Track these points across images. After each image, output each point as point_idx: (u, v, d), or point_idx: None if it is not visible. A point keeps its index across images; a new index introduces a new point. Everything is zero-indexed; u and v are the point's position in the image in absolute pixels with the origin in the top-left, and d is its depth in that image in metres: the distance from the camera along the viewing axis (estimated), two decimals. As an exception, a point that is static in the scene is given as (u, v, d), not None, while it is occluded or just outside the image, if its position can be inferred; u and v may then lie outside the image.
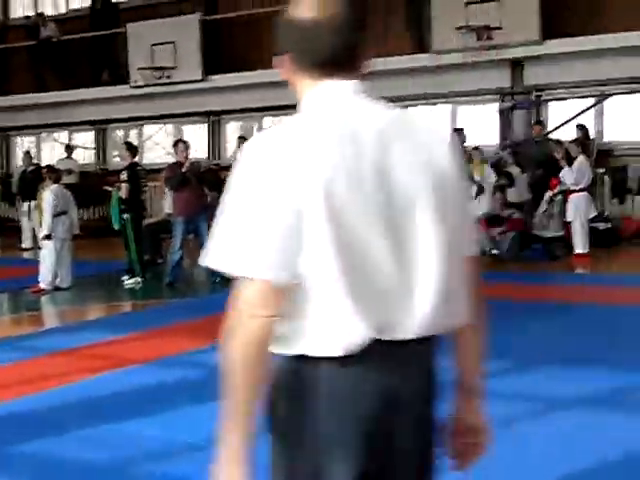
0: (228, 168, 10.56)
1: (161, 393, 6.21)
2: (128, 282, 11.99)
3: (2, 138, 23.43)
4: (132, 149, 12.44)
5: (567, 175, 13.53)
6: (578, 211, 13.49)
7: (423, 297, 2.08)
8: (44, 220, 11.79)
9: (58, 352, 7.84)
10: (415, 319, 2.08)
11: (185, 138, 21.01)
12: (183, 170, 11.63)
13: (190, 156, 12.31)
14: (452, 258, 2.12)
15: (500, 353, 6.91)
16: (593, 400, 5.79)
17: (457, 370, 2.33)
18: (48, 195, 11.76)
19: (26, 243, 17.60)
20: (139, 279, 11.98)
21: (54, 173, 12.15)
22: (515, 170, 14.55)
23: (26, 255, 16.83)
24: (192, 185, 11.61)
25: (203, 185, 11.97)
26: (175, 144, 12.30)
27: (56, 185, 11.93)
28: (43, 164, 19.39)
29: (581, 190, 13.61)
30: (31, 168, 17.88)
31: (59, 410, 5.89)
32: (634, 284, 10.75)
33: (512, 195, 14.30)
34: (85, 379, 6.73)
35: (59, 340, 8.47)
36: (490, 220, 13.56)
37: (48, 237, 11.72)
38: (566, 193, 13.72)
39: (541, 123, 15.70)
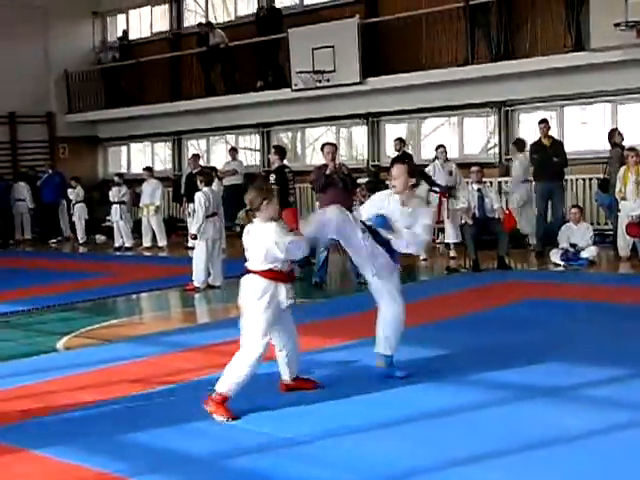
0: (387, 169, 10.77)
1: (274, 389, 6.46)
2: None
3: (175, 141, 24.50)
4: (280, 152, 12.82)
5: None
6: None
7: None
8: (195, 221, 12.37)
9: (197, 348, 8.25)
10: None
11: (347, 140, 21.72)
12: (327, 173, 11.88)
13: (339, 159, 12.54)
14: None
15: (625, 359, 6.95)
16: None
17: None
18: (200, 197, 12.32)
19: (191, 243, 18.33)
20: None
21: (206, 176, 12.72)
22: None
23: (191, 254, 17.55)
24: (336, 187, 11.84)
25: (349, 187, 12.15)
26: (322, 147, 12.56)
27: (208, 187, 12.46)
28: (215, 166, 20.34)
29: None
30: (197, 170, 18.61)
31: (180, 403, 6.26)
32: None
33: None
34: (209, 374, 7.07)
35: (201, 336, 8.89)
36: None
37: (195, 237, 12.30)
38: None
39: None
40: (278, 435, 5.39)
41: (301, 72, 19.31)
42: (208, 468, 4.91)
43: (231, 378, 5.85)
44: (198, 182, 12.65)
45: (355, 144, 21.73)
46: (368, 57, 18.95)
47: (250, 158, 23.08)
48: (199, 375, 7.07)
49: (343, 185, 11.96)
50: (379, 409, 5.93)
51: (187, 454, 5.13)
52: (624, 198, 13.73)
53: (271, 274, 5.94)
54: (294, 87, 19.78)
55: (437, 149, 15.87)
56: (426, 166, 15.59)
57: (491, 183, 15.86)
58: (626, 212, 13.69)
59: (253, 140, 23.15)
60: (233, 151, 21.46)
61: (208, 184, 12.54)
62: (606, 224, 15.77)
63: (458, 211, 13.84)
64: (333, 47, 18.86)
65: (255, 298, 5.95)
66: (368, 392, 6.34)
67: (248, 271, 6.07)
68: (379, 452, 5.04)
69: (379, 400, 6.17)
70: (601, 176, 15.30)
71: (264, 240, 5.91)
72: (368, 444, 5.20)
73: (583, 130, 17.71)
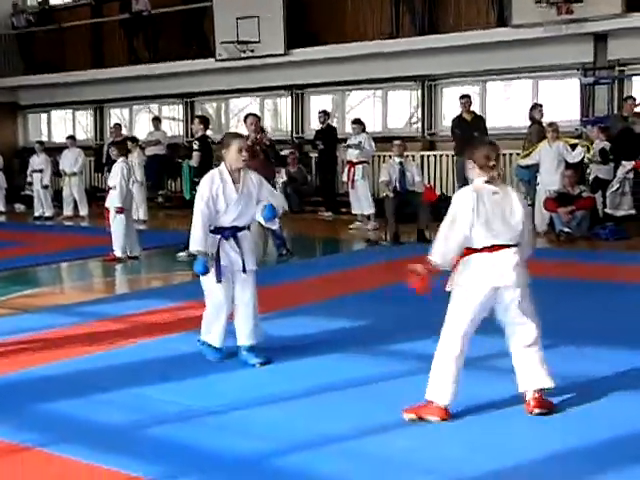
0: (310, 142, 10.91)
1: (189, 361, 6.47)
2: (181, 255, 12.24)
3: (97, 110, 24.11)
4: (204, 121, 12.72)
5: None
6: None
7: None
8: (117, 193, 12.19)
9: (112, 318, 8.19)
10: None
11: (272, 112, 21.65)
12: (249, 143, 11.82)
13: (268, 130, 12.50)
14: None
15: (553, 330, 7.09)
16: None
17: None
18: (121, 168, 12.19)
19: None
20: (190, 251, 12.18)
21: (120, 147, 12.64)
22: (607, 146, 14.26)
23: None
24: (259, 158, 11.79)
25: (271, 159, 12.14)
26: (245, 118, 12.49)
27: (123, 158, 12.37)
28: (136, 135, 20.10)
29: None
30: (118, 139, 18.37)
31: (94, 373, 6.22)
32: None
33: (601, 170, 14.03)
34: (128, 344, 7.04)
35: (120, 307, 8.83)
36: (560, 199, 13.43)
37: (121, 211, 12.14)
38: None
39: (632, 99, 15.26)
40: (193, 405, 5.40)
41: (225, 42, 19.15)
42: (124, 438, 4.89)
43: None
44: (112, 154, 12.56)
45: (279, 116, 21.67)
46: (293, 28, 18.86)
47: (174, 128, 22.85)
48: (117, 345, 7.02)
49: (265, 156, 11.93)
50: (296, 379, 5.98)
51: (103, 424, 5.11)
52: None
53: None
54: (218, 57, 19.62)
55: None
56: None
57: (413, 157, 16.01)
58: (544, 187, 13.93)
59: (177, 110, 22.91)
60: (156, 121, 21.22)
61: (123, 155, 12.43)
62: (525, 199, 16.00)
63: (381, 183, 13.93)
64: (258, 17, 18.74)
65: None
66: (281, 362, 6.37)
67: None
68: (297, 421, 5.09)
69: (296, 370, 6.22)
70: (521, 151, 15.54)
71: None
72: (286, 413, 5.25)
73: (505, 105, 17.95)
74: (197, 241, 6.23)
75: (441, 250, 5.20)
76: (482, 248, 5.15)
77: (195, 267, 6.29)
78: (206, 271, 6.24)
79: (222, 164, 6.55)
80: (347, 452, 4.61)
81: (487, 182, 5.19)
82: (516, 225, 5.19)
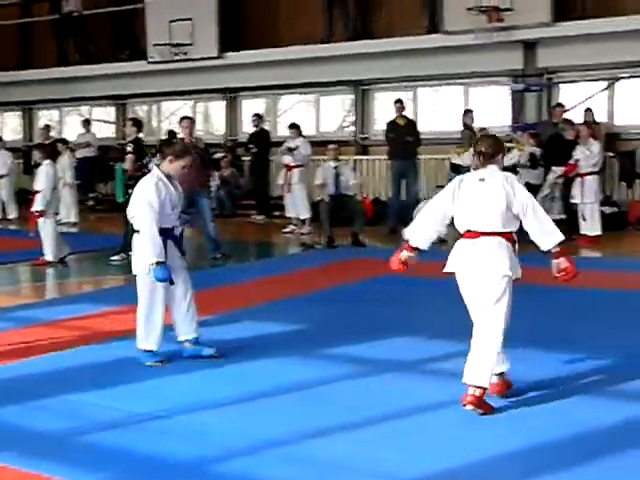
0: (243, 145, 11.02)
1: (128, 366, 6.40)
2: (115, 258, 12.14)
3: (25, 111, 23.72)
4: (137, 124, 12.63)
5: (581, 155, 13.53)
6: (591, 194, 13.48)
7: None
8: (41, 195, 11.95)
9: (45, 324, 8.04)
10: None
11: (205, 115, 21.54)
12: (184, 146, 11.77)
13: (200, 133, 12.48)
14: None
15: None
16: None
17: None
18: (45, 171, 11.99)
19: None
20: (124, 255, 12.04)
21: (45, 150, 12.44)
22: (538, 152, 14.50)
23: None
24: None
25: (205, 162, 12.11)
26: (180, 121, 12.44)
27: (49, 161, 12.18)
28: (67, 138, 19.80)
29: (593, 173, 13.63)
30: (47, 142, 18.09)
31: (28, 380, 6.11)
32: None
33: (533, 177, 14.27)
34: (64, 349, 6.94)
35: (50, 312, 8.67)
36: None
37: (41, 215, 11.87)
38: (577, 175, 13.73)
39: (561, 106, 15.54)
40: (134, 411, 5.34)
41: (158, 44, 19.02)
42: (60, 445, 4.80)
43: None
44: (37, 157, 12.35)
45: (212, 119, 21.59)
46: (227, 32, 18.83)
47: (106, 131, 22.59)
48: (51, 350, 6.91)
49: (200, 159, 11.89)
50: (235, 384, 5.96)
51: (39, 432, 5.01)
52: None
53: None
54: (150, 59, 19.48)
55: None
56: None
57: (347, 161, 16.09)
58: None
59: (108, 112, 22.66)
60: (86, 123, 20.98)
61: (49, 158, 12.25)
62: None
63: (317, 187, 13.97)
64: (191, 20, 18.67)
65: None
66: (223, 366, 6.36)
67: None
68: (236, 426, 5.07)
69: (234, 375, 6.20)
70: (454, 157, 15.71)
71: None
72: (225, 418, 5.23)
73: (436, 111, 18.16)
74: (158, 252, 6.22)
75: (413, 225, 5.54)
76: (462, 233, 5.37)
77: (158, 275, 6.22)
78: (169, 277, 6.26)
79: (156, 169, 6.57)
80: (289, 456, 4.60)
81: (475, 169, 5.46)
82: (493, 213, 5.25)
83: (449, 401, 5.43)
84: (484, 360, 5.26)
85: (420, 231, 5.55)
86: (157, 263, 6.18)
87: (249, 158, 18.45)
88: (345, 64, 17.91)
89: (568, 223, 13.90)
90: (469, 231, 5.34)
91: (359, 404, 5.47)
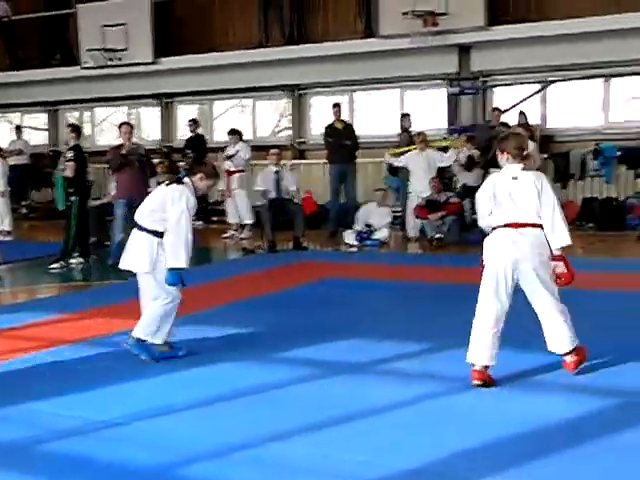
0: (179, 151, 10.94)
1: (82, 374, 6.32)
2: (54, 266, 11.98)
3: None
4: (77, 130, 12.48)
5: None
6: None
7: None
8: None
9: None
10: None
11: (141, 121, 21.34)
12: (123, 152, 11.69)
13: (134, 139, 12.37)
14: None
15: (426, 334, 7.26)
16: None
17: None
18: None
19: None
20: (64, 262, 11.97)
21: None
22: (476, 154, 14.64)
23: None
24: (133, 167, 11.67)
25: (146, 168, 12.02)
26: (119, 126, 12.33)
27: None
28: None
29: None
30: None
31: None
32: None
33: (470, 179, 14.44)
34: (11, 359, 6.81)
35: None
36: (429, 205, 13.75)
37: None
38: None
39: (499, 109, 15.68)
40: (92, 418, 5.27)
41: (91, 50, 18.80)
42: (19, 454, 4.73)
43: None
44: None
45: (147, 125, 21.41)
46: (162, 37, 18.70)
47: (39, 137, 22.22)
48: (2, 360, 6.78)
49: (140, 165, 11.81)
50: (191, 388, 5.92)
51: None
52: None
53: None
54: (84, 65, 19.24)
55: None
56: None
57: (285, 165, 16.08)
58: (415, 194, 14.23)
59: (40, 119, 22.32)
60: (18, 130, 20.64)
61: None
62: (395, 206, 16.32)
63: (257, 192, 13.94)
64: (125, 25, 18.49)
65: None
66: (176, 372, 6.32)
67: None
68: (195, 430, 5.04)
69: (189, 380, 6.17)
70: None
71: None
72: (183, 423, 5.20)
73: (373, 115, 18.26)
74: (188, 259, 6.49)
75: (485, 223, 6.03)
76: (498, 226, 5.81)
77: (172, 280, 6.45)
78: (181, 281, 6.50)
79: (189, 180, 6.70)
80: (249, 460, 4.59)
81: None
82: (530, 207, 5.74)
83: (403, 401, 5.48)
84: (565, 326, 5.84)
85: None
86: (180, 269, 6.44)
87: (185, 163, 18.34)
88: (281, 69, 17.91)
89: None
90: (509, 224, 5.76)
91: (315, 406, 5.48)
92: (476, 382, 5.72)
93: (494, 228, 5.85)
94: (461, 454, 4.60)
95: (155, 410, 5.40)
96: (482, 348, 5.75)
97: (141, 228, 6.66)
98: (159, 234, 6.55)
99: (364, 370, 6.36)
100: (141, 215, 6.71)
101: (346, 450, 4.72)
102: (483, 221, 6.03)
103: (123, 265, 6.76)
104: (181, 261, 6.42)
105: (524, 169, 5.84)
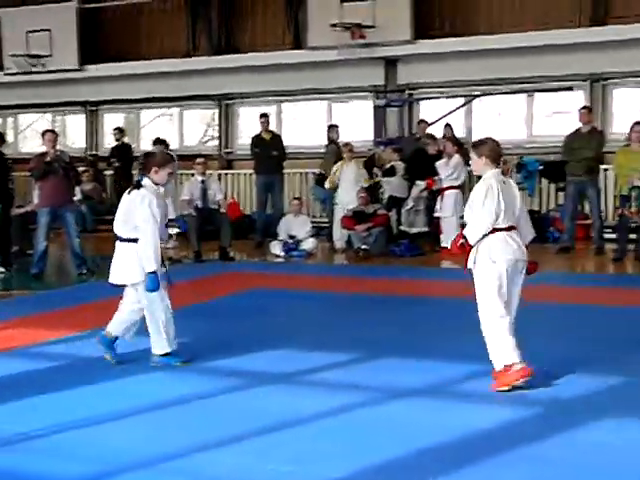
0: (105, 159, 10.79)
1: (6, 384, 6.21)
2: None
3: None
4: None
5: (442, 169, 13.93)
6: (454, 207, 13.85)
7: None
8: None
9: None
10: None
11: (67, 128, 21.05)
12: (47, 160, 11.53)
13: (58, 146, 12.19)
14: None
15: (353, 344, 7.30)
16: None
17: None
18: None
19: None
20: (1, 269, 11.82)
21: None
22: (400, 165, 14.75)
23: None
24: (57, 175, 11.52)
25: (70, 176, 11.86)
26: (43, 134, 12.14)
27: None
28: None
29: (452, 187, 14.05)
30: None
31: None
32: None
33: (395, 189, 14.57)
34: None
35: None
36: (356, 216, 13.84)
37: None
38: (440, 190, 14.12)
39: (425, 122, 15.82)
40: (20, 430, 5.16)
41: (15, 55, 18.52)
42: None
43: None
44: None
45: (73, 132, 21.13)
46: (88, 43, 18.51)
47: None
48: None
49: (64, 173, 11.66)
50: (115, 399, 5.85)
51: None
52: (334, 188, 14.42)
53: None
54: (7, 71, 18.96)
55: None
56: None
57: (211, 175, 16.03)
58: (342, 205, 14.31)
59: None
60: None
61: None
62: (321, 217, 16.41)
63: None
64: (50, 31, 18.25)
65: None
66: (100, 382, 6.25)
67: None
68: (122, 441, 4.99)
69: (112, 390, 6.11)
70: (317, 171, 15.92)
71: None
72: (111, 434, 5.14)
73: (301, 126, 18.32)
74: (158, 261, 6.46)
75: (475, 232, 5.88)
76: (500, 228, 5.87)
77: (151, 285, 6.45)
78: (159, 287, 6.51)
79: (148, 181, 6.61)
80: (176, 471, 4.55)
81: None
82: (516, 210, 6.00)
83: (329, 411, 5.50)
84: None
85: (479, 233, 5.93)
86: (154, 272, 6.41)
87: (111, 172, 18.19)
88: (208, 78, 17.88)
89: (430, 236, 14.33)
90: (507, 227, 5.90)
91: (241, 416, 5.46)
92: (525, 379, 5.85)
93: (492, 231, 5.83)
94: (384, 463, 4.63)
95: (82, 421, 5.32)
96: (511, 344, 5.83)
97: (121, 239, 6.66)
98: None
99: (292, 380, 6.37)
100: (117, 227, 6.71)
101: (270, 460, 4.71)
102: (484, 229, 5.85)
103: (114, 280, 6.74)
104: (152, 264, 6.41)
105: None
